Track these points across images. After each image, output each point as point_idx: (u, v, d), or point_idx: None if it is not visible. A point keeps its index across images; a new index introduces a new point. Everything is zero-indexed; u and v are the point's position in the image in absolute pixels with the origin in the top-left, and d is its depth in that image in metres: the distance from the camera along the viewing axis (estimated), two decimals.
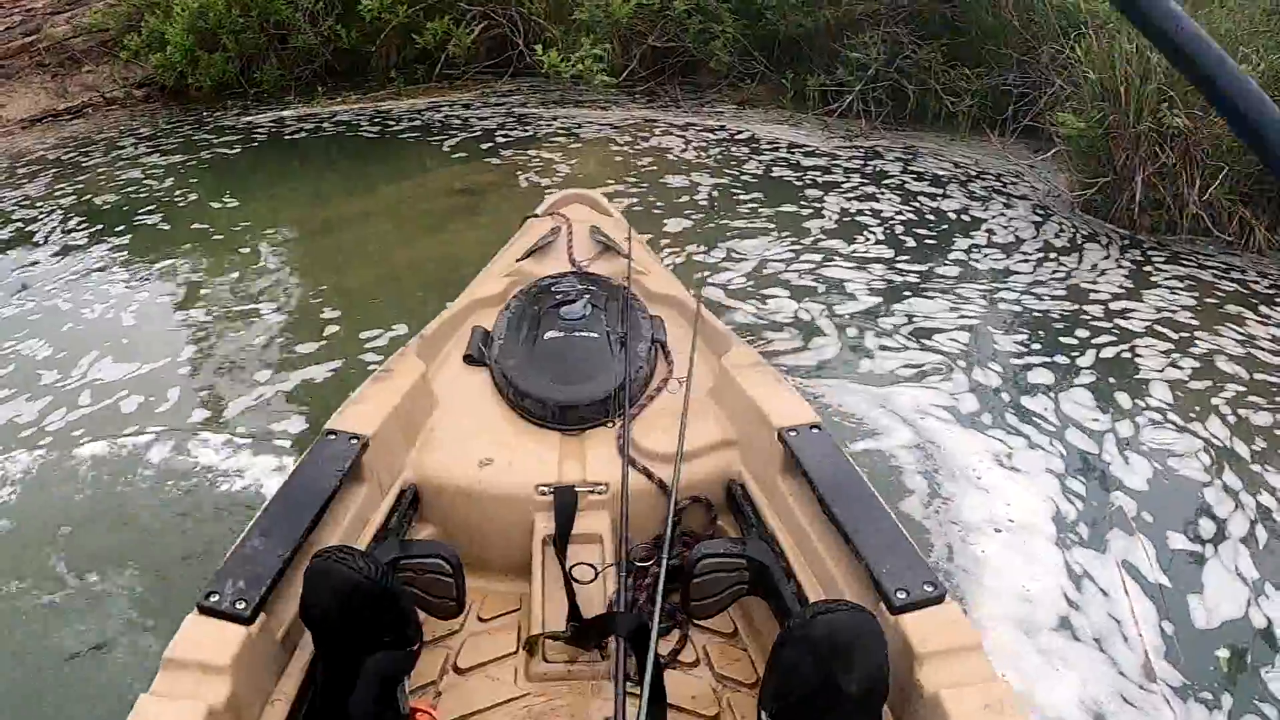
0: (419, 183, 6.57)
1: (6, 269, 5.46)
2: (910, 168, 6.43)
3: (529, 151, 6.95)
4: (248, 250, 5.48)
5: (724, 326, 2.73)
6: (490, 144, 7.25)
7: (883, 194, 5.91)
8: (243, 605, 1.52)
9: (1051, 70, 6.24)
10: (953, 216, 5.58)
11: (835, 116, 7.30)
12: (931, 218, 5.56)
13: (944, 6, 7.32)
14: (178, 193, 6.64)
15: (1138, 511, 3.06)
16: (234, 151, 7.61)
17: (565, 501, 2.03)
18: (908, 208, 5.69)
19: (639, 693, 1.44)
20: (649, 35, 8.10)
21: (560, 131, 7.48)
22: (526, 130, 7.54)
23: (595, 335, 2.47)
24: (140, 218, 6.17)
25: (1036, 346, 4.09)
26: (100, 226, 6.03)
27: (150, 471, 3.33)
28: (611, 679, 1.76)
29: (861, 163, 6.53)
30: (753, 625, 2.00)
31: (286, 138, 7.94)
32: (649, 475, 2.12)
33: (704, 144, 6.98)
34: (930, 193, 5.95)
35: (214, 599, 1.52)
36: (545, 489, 2.08)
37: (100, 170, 7.38)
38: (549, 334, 2.47)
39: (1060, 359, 3.98)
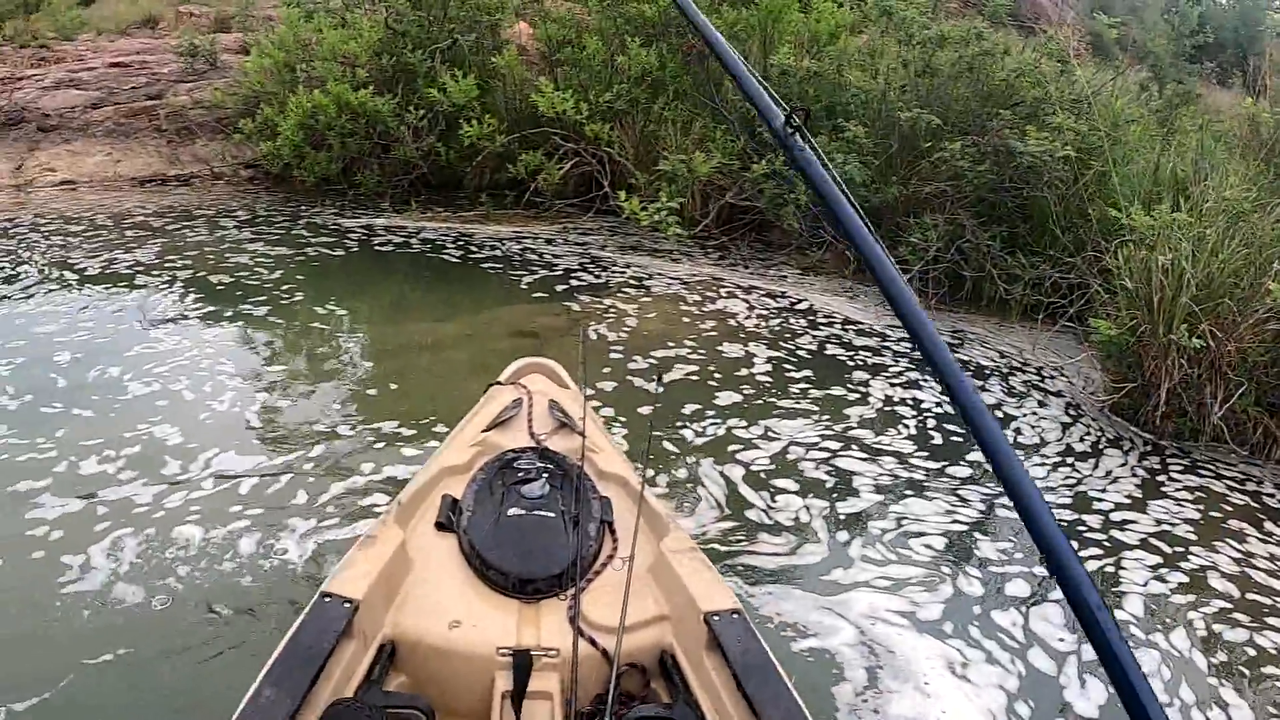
0: (492, 317, 6.97)
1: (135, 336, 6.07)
2: (957, 353, 6.61)
3: (599, 299, 7.35)
4: (340, 358, 6.04)
5: (664, 509, 2.97)
6: (565, 285, 7.67)
7: (925, 381, 6.10)
8: None
9: (1091, 274, 6.50)
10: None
11: None
12: None
13: (1009, 197, 7.66)
14: (284, 287, 7.26)
15: None
16: (332, 254, 8.22)
17: (521, 663, 2.28)
18: (946, 399, 5.80)
19: None
20: (727, 191, 8.53)
21: (631, 282, 7.88)
22: (599, 277, 7.95)
23: (552, 515, 2.73)
24: (248, 307, 6.81)
25: (1019, 556, 4.13)
26: (213, 309, 6.70)
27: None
28: None
29: (910, 345, 6.68)
30: None
31: (375, 247, 8.50)
32: (594, 643, 2.37)
33: (765, 311, 7.28)
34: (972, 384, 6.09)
35: None
36: (505, 651, 2.31)
37: (207, 247, 8.08)
38: (511, 510, 2.74)
39: (1041, 571, 4.01)
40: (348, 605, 2.22)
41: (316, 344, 6.36)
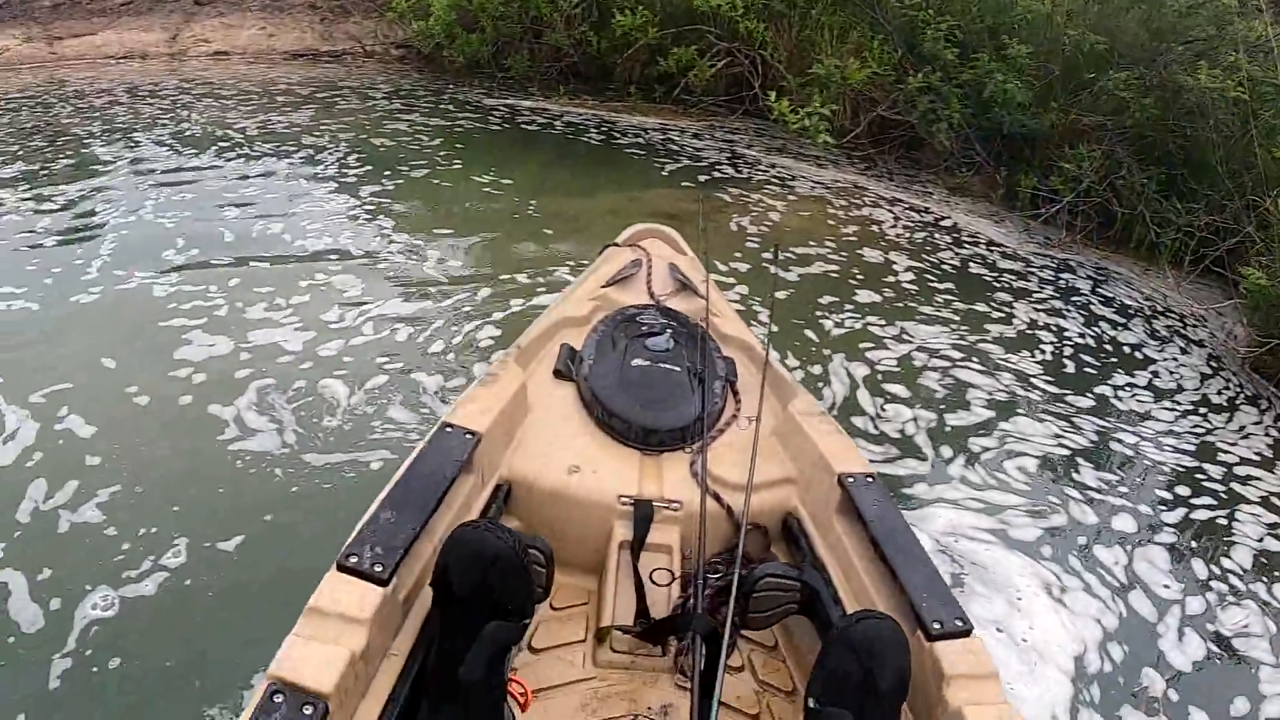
0: (632, 198, 7.04)
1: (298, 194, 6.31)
2: (1100, 290, 6.50)
3: (741, 193, 7.34)
4: (491, 220, 6.23)
5: (789, 375, 2.91)
6: (707, 177, 7.68)
7: (1069, 311, 6.01)
8: (380, 569, 1.72)
9: (1248, 220, 6.22)
10: (1126, 350, 5.61)
11: (1039, 222, 7.40)
12: (1108, 347, 5.61)
13: (1170, 137, 7.34)
14: (441, 154, 7.53)
15: (1164, 693, 3.02)
16: (483, 128, 8.43)
17: (643, 514, 2.28)
18: (1089, 331, 5.76)
19: (690, 687, 1.79)
20: (880, 104, 8.34)
21: (774, 180, 7.83)
22: (742, 172, 7.93)
23: (677, 369, 2.68)
24: (407, 169, 7.16)
25: (1125, 491, 4.06)
26: (374, 169, 7.02)
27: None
28: (670, 672, 2.09)
29: (1054, 274, 6.62)
30: (792, 641, 2.26)
31: (522, 126, 8.62)
32: (718, 499, 2.35)
33: (909, 224, 7.18)
34: (1114, 320, 6.01)
35: (353, 560, 1.73)
36: (626, 500, 2.31)
37: (360, 115, 8.33)
38: (636, 361, 2.69)
39: (1151, 510, 3.97)
40: (469, 437, 2.19)
41: (471, 207, 6.57)
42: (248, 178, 6.73)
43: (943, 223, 7.38)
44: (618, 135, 8.59)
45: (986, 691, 1.73)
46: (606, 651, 2.11)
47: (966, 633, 1.84)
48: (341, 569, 1.71)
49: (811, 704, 1.67)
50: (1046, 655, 3.04)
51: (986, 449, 4.21)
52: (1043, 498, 3.91)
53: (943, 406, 4.51)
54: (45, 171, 6.74)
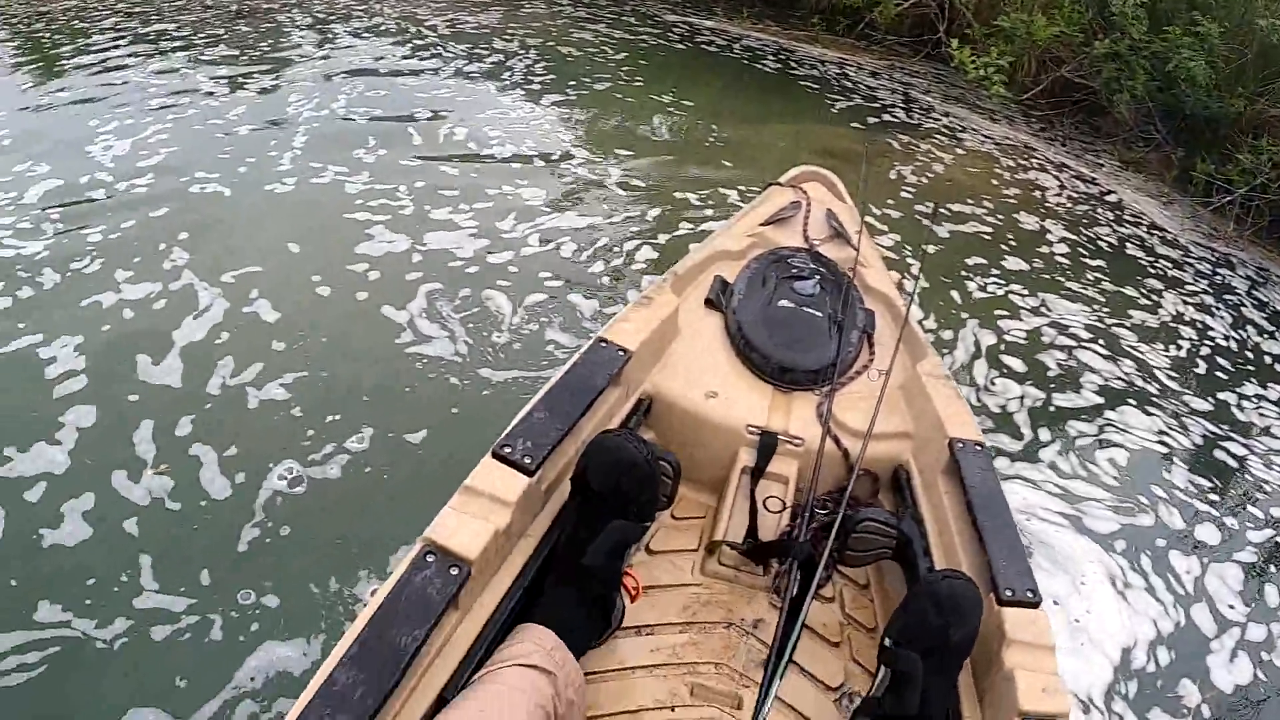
0: (800, 130, 7.14)
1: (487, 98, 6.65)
2: (1257, 291, 6.32)
3: (909, 140, 7.36)
4: (667, 139, 6.50)
5: (923, 335, 2.96)
6: (877, 119, 7.72)
7: (1218, 309, 5.88)
8: (529, 460, 1.89)
9: None
10: (1267, 360, 5.46)
11: (1209, 210, 7.23)
12: (1249, 353, 5.48)
13: None
14: (624, 69, 7.78)
15: (1197, 707, 3.05)
16: (664, 44, 8.60)
17: (767, 444, 2.41)
18: (1234, 334, 5.63)
19: (781, 607, 2.02)
20: (1064, 65, 8.19)
21: (944, 130, 7.80)
22: (914, 118, 7.91)
23: (819, 314, 2.78)
24: (591, 80, 7.42)
25: (1216, 500, 4.01)
26: (559, 79, 7.32)
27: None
28: (767, 591, 2.26)
29: (1211, 269, 6.47)
30: (882, 584, 2.40)
31: (701, 46, 8.76)
32: (837, 442, 2.45)
33: (1074, 195, 7.07)
34: (1263, 326, 5.85)
35: (507, 450, 1.90)
36: (754, 429, 2.44)
37: (547, 21, 8.56)
38: (781, 302, 2.79)
39: (1238, 526, 3.90)
40: (621, 353, 2.32)
41: (650, 125, 6.82)
42: (438, 76, 7.10)
43: (1108, 197, 7.25)
44: (794, 65, 8.65)
45: (1041, 661, 1.81)
46: (714, 563, 2.30)
47: (1035, 604, 1.92)
48: (495, 456, 1.90)
49: (887, 643, 1.80)
50: (1095, 640, 3.15)
51: (1084, 434, 4.23)
52: (1129, 493, 3.92)
53: (1053, 386, 4.54)
54: (245, 57, 7.20)
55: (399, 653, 1.50)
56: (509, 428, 1.98)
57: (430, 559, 1.67)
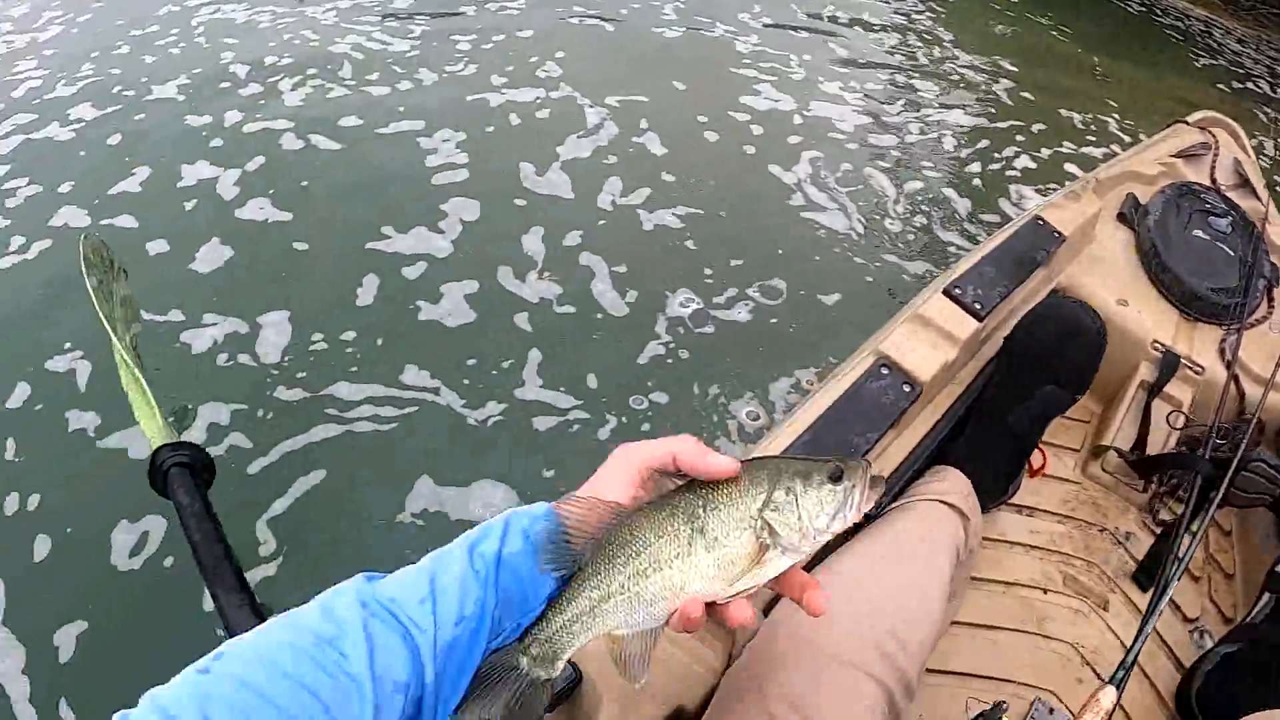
0: (1155, 78, 6.71)
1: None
2: None
3: (1275, 115, 6.77)
4: (1048, 66, 6.05)
5: None
6: (1241, 85, 7.13)
7: None
8: (979, 306, 1.97)
9: None
10: None
11: None
12: None
13: None
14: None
15: None
16: None
17: (1169, 364, 2.37)
18: None
19: (1150, 525, 1.97)
20: None
21: None
22: (1277, 94, 7.27)
23: (1231, 253, 2.73)
24: None
25: None
26: None
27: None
28: (1141, 510, 2.22)
29: None
30: (1246, 531, 2.32)
31: None
32: (1236, 381, 2.40)
33: None
34: None
35: (957, 291, 1.98)
36: (1159, 346, 2.42)
37: None
38: (1196, 232, 2.76)
39: None
40: (1056, 235, 2.39)
41: (1030, 43, 6.50)
42: None
43: None
44: (1159, 13, 8.11)
45: None
46: (1096, 467, 2.30)
47: None
48: (948, 295, 1.97)
49: (1265, 596, 1.78)
50: None
51: None
52: None
53: None
54: None
55: (849, 450, 1.53)
56: (959, 271, 2.06)
57: (885, 371, 1.74)
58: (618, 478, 0.86)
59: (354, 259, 3.33)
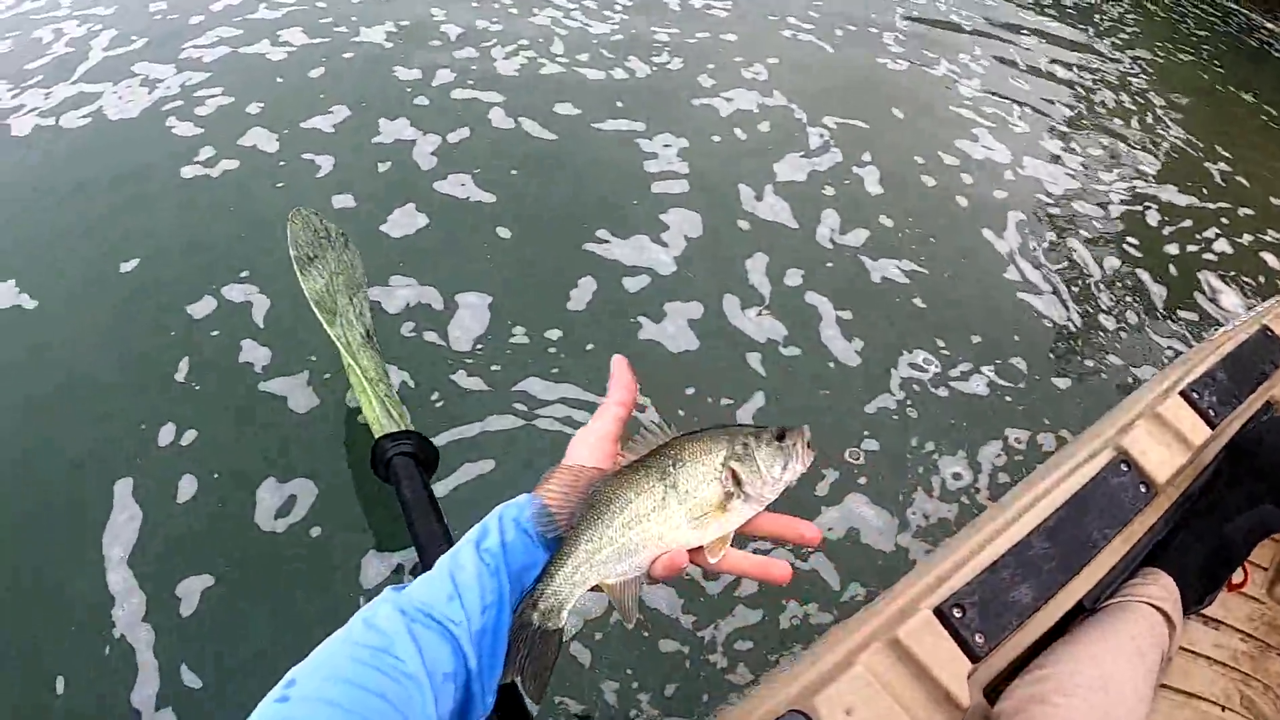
0: None
1: None
2: None
3: None
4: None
5: None
6: None
7: None
8: (1214, 414, 1.93)
9: None
10: None
11: None
12: None
13: None
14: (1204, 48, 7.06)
15: None
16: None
17: None
18: None
19: None
20: None
21: None
22: None
23: None
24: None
25: None
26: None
27: None
28: None
29: None
30: None
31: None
32: None
33: None
34: None
35: (1195, 395, 1.94)
36: None
37: None
38: None
39: None
40: None
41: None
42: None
43: None
44: None
45: None
46: None
47: None
48: (1185, 398, 1.95)
49: None
50: None
51: None
52: None
53: None
54: None
55: (1087, 544, 1.61)
56: (1194, 375, 2.03)
57: (1124, 468, 1.76)
58: (587, 456, 1.00)
59: (569, 258, 3.20)
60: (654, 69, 4.42)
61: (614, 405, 1.04)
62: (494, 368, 2.74)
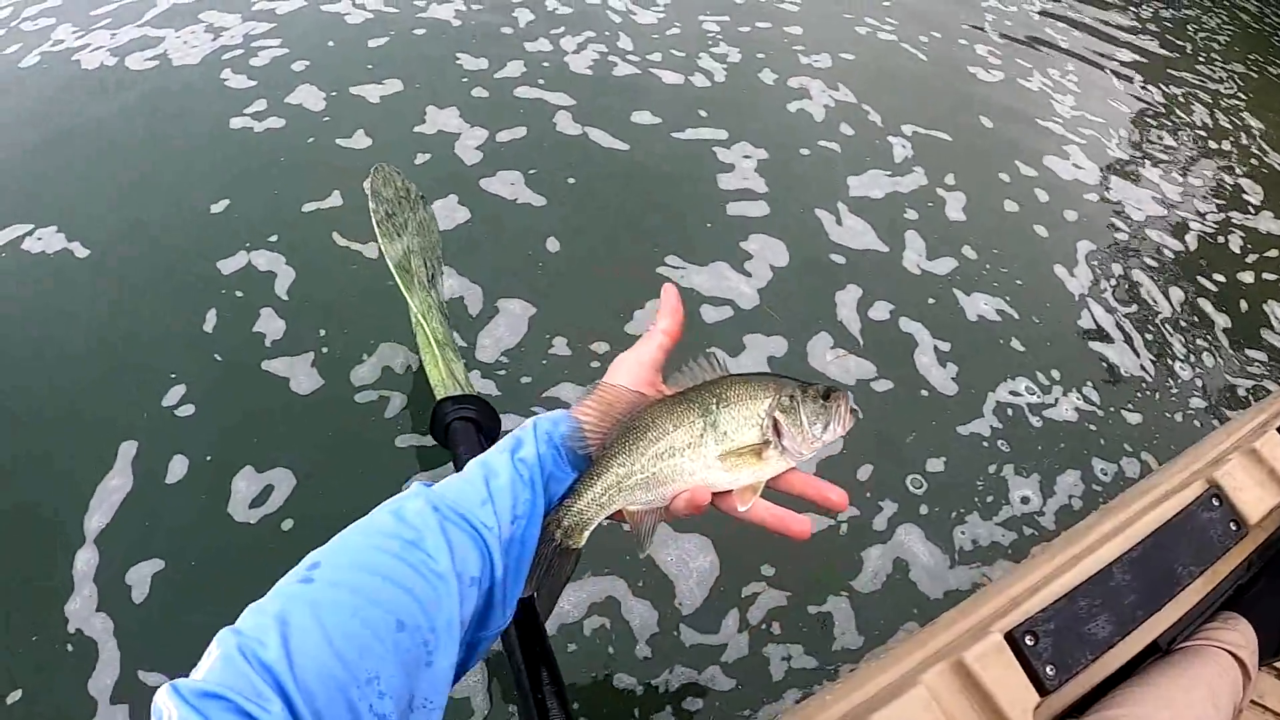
0: None
1: None
2: None
3: None
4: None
5: None
6: None
7: None
8: None
9: None
10: None
11: None
12: None
13: None
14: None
15: None
16: None
17: None
18: None
19: None
20: None
21: None
22: None
23: None
24: None
25: None
26: None
27: None
28: None
29: None
30: None
31: None
32: None
33: None
34: None
35: None
36: None
37: None
38: None
39: None
40: None
41: None
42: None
43: None
44: None
45: None
46: None
47: None
48: None
49: None
50: None
51: None
52: None
53: None
54: None
55: (1171, 580, 1.52)
56: None
57: (1216, 503, 1.66)
58: (626, 379, 0.99)
59: (633, 276, 3.02)
60: (726, 70, 4.23)
61: (660, 333, 1.03)
62: (523, 372, 2.63)
